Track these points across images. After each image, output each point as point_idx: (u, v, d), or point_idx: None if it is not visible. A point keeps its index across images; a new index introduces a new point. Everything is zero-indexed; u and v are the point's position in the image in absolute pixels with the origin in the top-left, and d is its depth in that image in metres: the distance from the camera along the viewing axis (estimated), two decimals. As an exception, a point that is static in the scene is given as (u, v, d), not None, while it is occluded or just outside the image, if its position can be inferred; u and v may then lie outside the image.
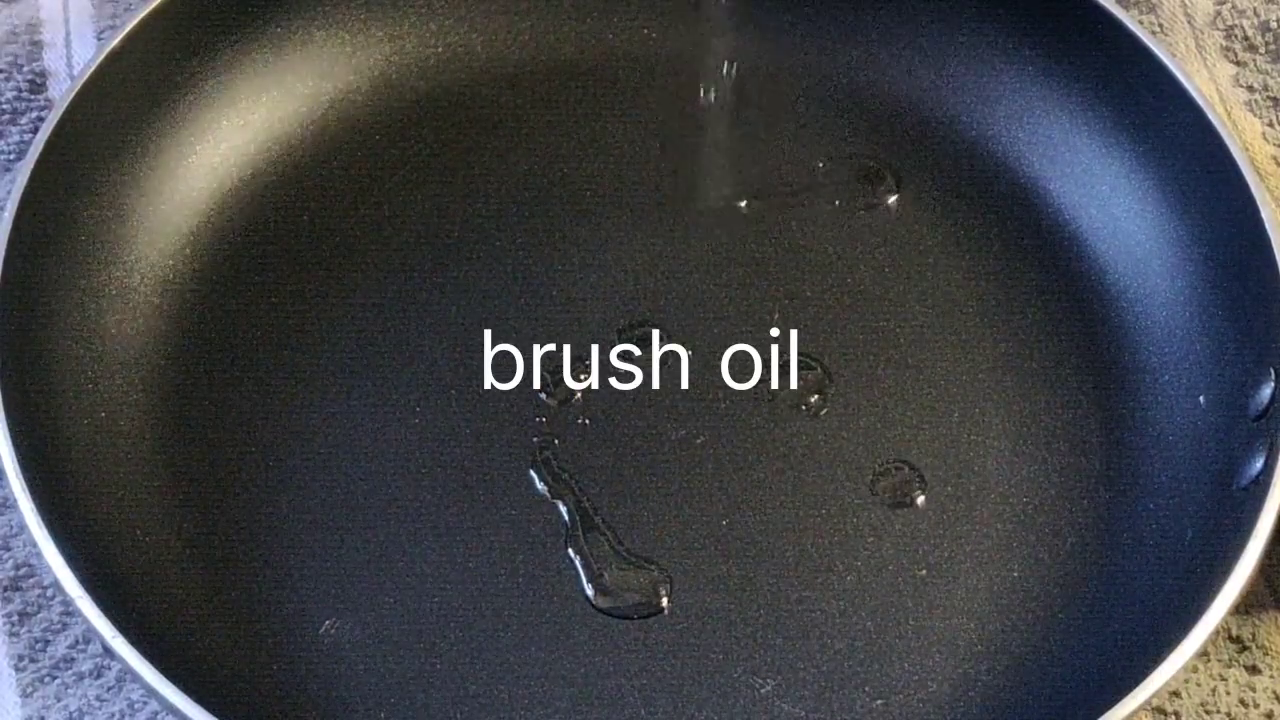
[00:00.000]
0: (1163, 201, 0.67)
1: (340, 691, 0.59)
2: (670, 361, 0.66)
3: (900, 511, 0.64)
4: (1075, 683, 0.59)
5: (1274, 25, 0.76)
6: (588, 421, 0.65)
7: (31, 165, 0.62)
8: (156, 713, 0.60)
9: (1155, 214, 0.67)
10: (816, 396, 0.66)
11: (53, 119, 0.63)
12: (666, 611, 0.61)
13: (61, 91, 0.67)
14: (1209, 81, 0.75)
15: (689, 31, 0.73)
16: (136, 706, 0.60)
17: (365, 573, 0.62)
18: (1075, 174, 0.69)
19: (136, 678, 0.54)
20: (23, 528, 0.57)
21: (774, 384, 0.66)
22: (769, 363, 0.67)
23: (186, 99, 0.68)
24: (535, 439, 0.64)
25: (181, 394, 0.64)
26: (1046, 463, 0.65)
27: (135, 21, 0.65)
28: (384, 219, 0.69)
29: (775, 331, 0.67)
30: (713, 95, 0.72)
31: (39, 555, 0.56)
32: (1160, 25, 0.76)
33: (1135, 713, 0.55)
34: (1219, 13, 0.77)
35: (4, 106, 0.71)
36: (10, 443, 0.57)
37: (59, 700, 0.60)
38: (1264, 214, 0.63)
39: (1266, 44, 0.76)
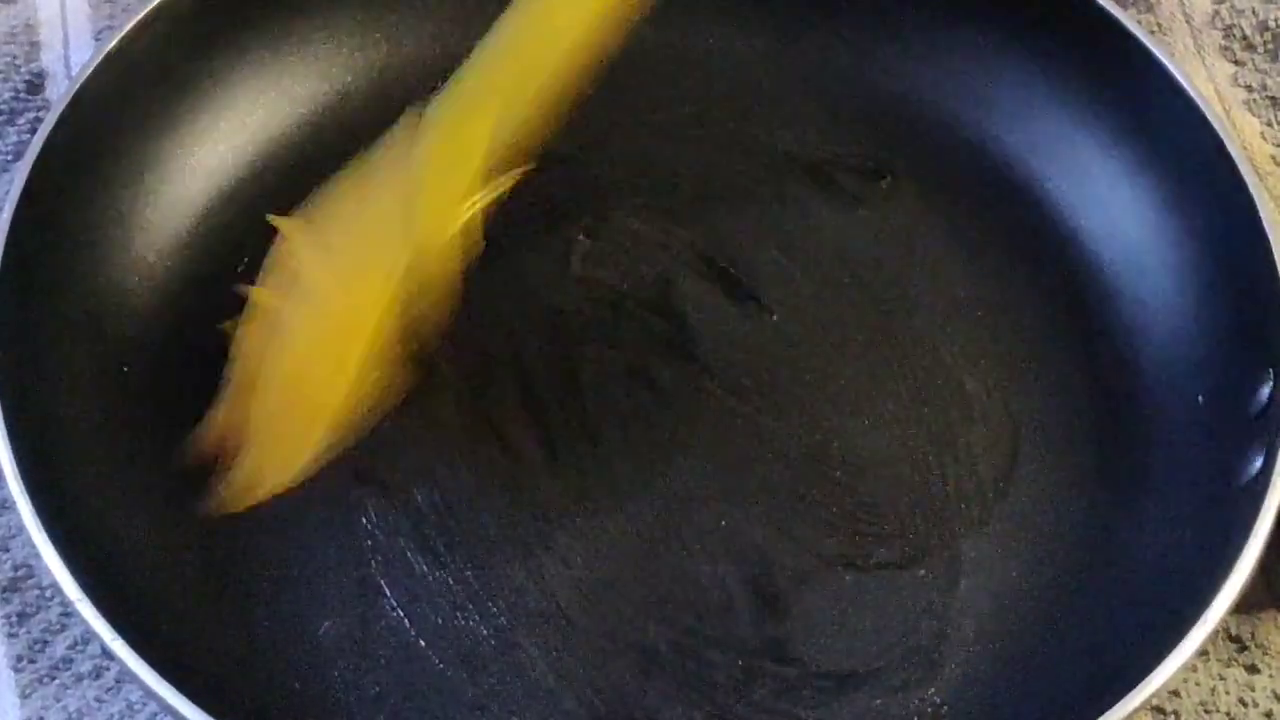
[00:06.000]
0: (1162, 201, 0.67)
1: (340, 691, 0.59)
2: (670, 360, 0.66)
3: (900, 510, 0.64)
4: (1075, 683, 0.59)
5: (1272, 25, 0.76)
6: (590, 422, 0.65)
7: (29, 166, 0.62)
8: (156, 713, 0.60)
9: (1154, 213, 0.67)
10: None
11: (50, 120, 0.63)
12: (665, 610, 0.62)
13: (59, 92, 0.67)
14: (1207, 81, 0.75)
15: (689, 31, 0.73)
16: (135, 707, 0.60)
17: (365, 572, 0.62)
18: (1075, 174, 0.69)
19: (136, 679, 0.54)
20: (21, 529, 0.57)
21: (773, 383, 0.66)
22: (768, 361, 0.67)
23: (184, 100, 0.68)
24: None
25: (181, 393, 0.64)
26: (1046, 463, 0.65)
27: (133, 23, 0.66)
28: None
29: (774, 329, 0.67)
30: (712, 95, 0.72)
31: (38, 556, 0.56)
32: (1159, 25, 0.76)
33: (1135, 712, 0.55)
34: (1217, 12, 0.77)
35: (1, 107, 0.71)
36: (9, 443, 0.57)
37: (58, 701, 0.60)
38: (1263, 213, 0.63)
39: (1265, 43, 0.76)
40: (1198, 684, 0.63)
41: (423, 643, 0.60)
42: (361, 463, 0.63)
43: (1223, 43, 0.76)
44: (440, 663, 0.60)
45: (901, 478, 0.64)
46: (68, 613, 0.62)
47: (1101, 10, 0.68)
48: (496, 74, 0.61)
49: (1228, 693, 0.63)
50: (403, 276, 0.60)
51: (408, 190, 0.60)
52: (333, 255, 0.61)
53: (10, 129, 0.71)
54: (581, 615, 0.61)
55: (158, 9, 0.66)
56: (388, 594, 0.61)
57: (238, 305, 0.66)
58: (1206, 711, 0.62)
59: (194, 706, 0.54)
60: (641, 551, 0.62)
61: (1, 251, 0.61)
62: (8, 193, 0.62)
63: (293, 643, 0.60)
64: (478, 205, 0.61)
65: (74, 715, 0.60)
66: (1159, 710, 0.62)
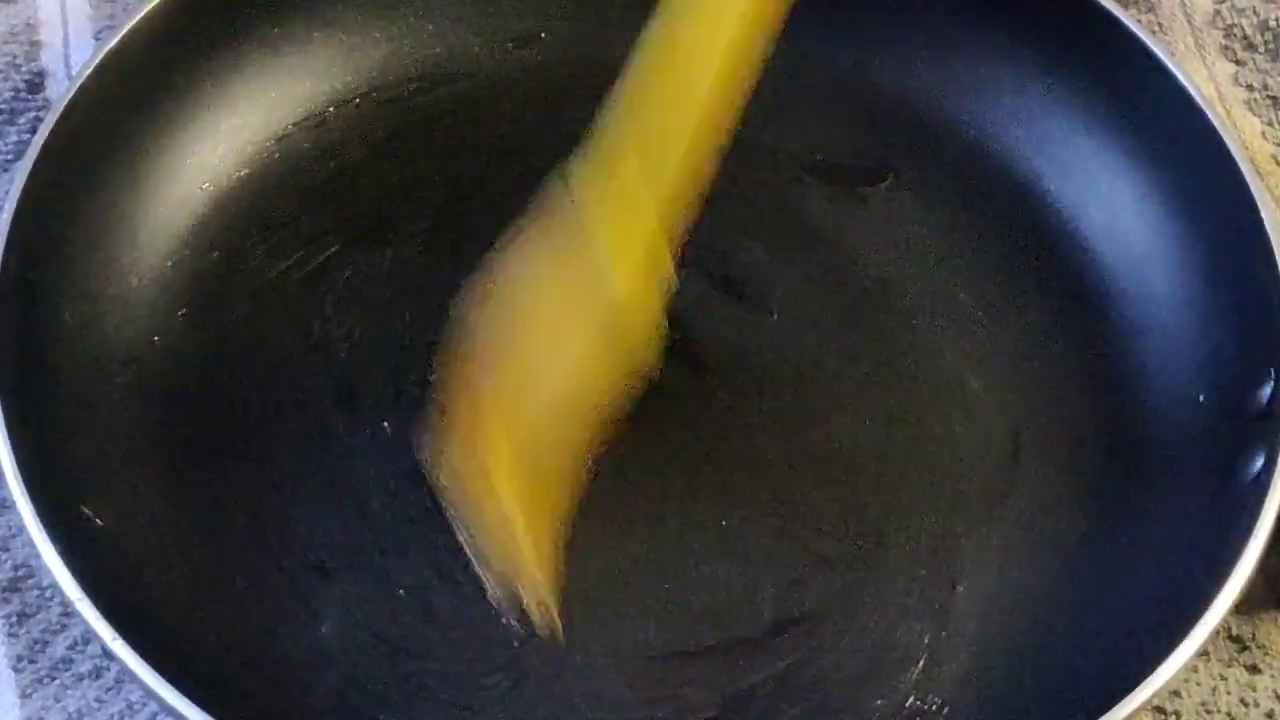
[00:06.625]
0: (1162, 201, 0.67)
1: (341, 692, 0.59)
2: (670, 360, 0.66)
3: (901, 511, 0.64)
4: (1075, 683, 0.59)
5: (1273, 24, 0.76)
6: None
7: (29, 166, 0.62)
8: (156, 713, 0.60)
9: (1155, 213, 0.67)
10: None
11: (51, 119, 0.63)
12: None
13: (59, 92, 0.67)
14: (1208, 80, 0.75)
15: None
16: (136, 708, 0.60)
17: (364, 573, 0.61)
18: (1075, 174, 0.69)
19: (136, 679, 0.54)
20: (22, 529, 0.57)
21: (774, 383, 0.66)
22: (768, 361, 0.66)
23: (184, 100, 0.68)
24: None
25: (181, 394, 0.64)
26: (1046, 463, 0.65)
27: (133, 22, 0.65)
28: (382, 219, 0.69)
29: (774, 329, 0.67)
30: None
31: (38, 556, 0.56)
32: (1159, 24, 0.76)
33: (1135, 712, 0.55)
34: (1218, 11, 0.77)
35: (2, 107, 0.71)
36: (9, 443, 0.57)
37: (58, 701, 0.60)
38: (1264, 213, 0.63)
39: (1265, 43, 0.76)
40: (1198, 684, 0.63)
41: (425, 644, 0.60)
42: (365, 465, 0.64)
43: (1224, 42, 0.76)
44: (443, 664, 0.60)
45: (902, 478, 0.64)
46: (68, 613, 0.62)
47: (1102, 10, 0.68)
48: (640, 122, 0.60)
49: (1229, 693, 0.63)
50: (604, 333, 0.60)
51: (589, 250, 0.59)
52: (522, 325, 0.60)
53: (10, 129, 0.71)
54: (583, 617, 0.61)
55: (158, 9, 0.66)
56: (390, 595, 0.61)
57: (238, 305, 0.66)
58: (1207, 711, 0.62)
59: (194, 706, 0.53)
60: (641, 552, 0.62)
61: (1, 251, 0.60)
62: (8, 193, 0.62)
63: (293, 643, 0.60)
64: (663, 242, 0.60)
65: (74, 715, 0.60)
66: (1159, 710, 0.62)
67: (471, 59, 0.72)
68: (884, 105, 0.72)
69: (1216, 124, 0.65)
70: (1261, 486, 0.59)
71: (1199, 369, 0.64)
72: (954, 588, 0.62)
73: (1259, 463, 0.60)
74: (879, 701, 0.60)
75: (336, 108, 0.71)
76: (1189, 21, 0.77)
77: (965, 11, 0.71)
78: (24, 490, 0.57)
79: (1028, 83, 0.70)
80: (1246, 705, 0.62)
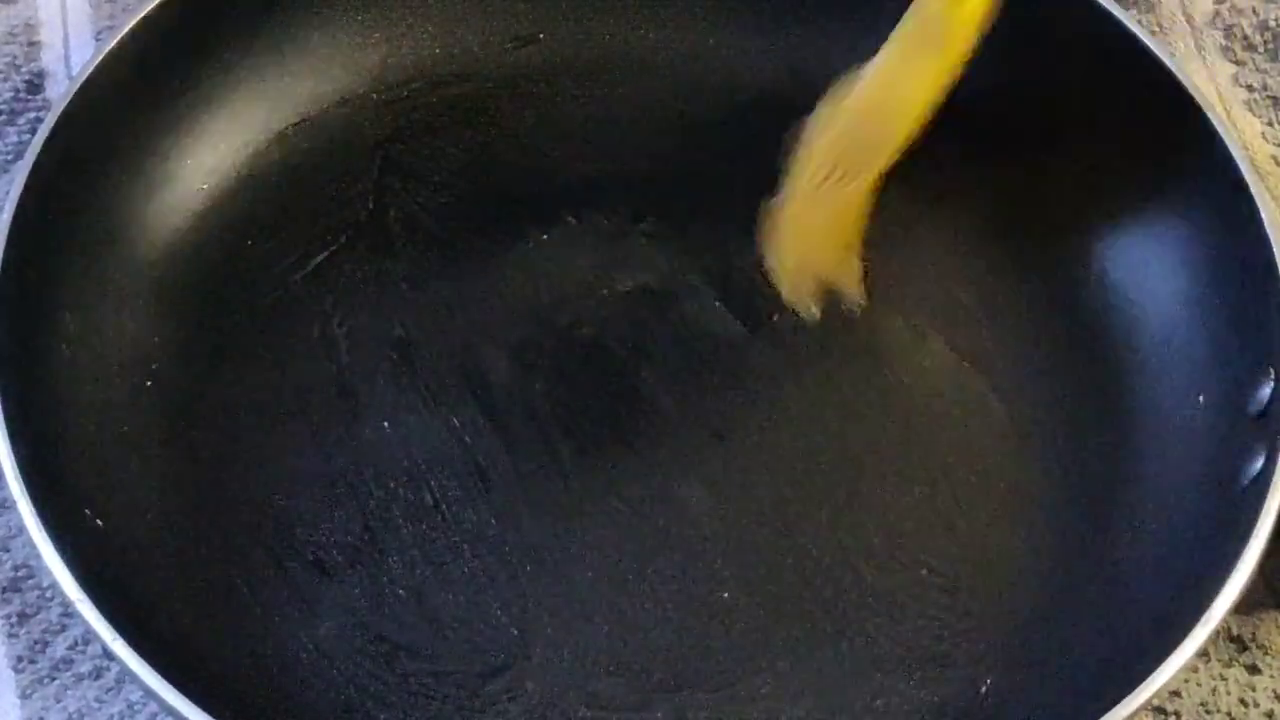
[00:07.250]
0: (1162, 201, 0.67)
1: (340, 692, 0.59)
2: (669, 362, 0.66)
3: (901, 511, 0.64)
4: (1075, 683, 0.59)
5: (1273, 24, 0.76)
6: (590, 426, 0.65)
7: (29, 166, 0.62)
8: (156, 714, 0.60)
9: (1154, 214, 0.67)
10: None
11: (50, 120, 0.63)
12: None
13: (59, 92, 0.67)
14: (1208, 81, 0.75)
15: (688, 32, 0.73)
16: (136, 708, 0.60)
17: (364, 573, 0.61)
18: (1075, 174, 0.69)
19: (136, 679, 0.54)
20: (22, 529, 0.57)
21: (772, 385, 0.66)
22: (767, 363, 0.66)
23: (184, 100, 0.68)
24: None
25: (181, 394, 0.64)
26: (1046, 463, 0.65)
27: (133, 22, 0.65)
28: (381, 219, 0.69)
29: (773, 331, 0.67)
30: (711, 95, 0.72)
31: (38, 556, 0.56)
32: (1159, 25, 0.76)
33: (1135, 713, 0.55)
34: (1218, 12, 0.77)
35: (2, 107, 0.71)
36: (9, 443, 0.57)
37: (58, 701, 0.60)
38: (1264, 214, 0.63)
39: (1265, 43, 0.76)
40: (1198, 684, 0.63)
41: (425, 644, 0.60)
42: (365, 465, 0.64)
43: (1223, 43, 0.76)
44: (443, 664, 0.60)
45: (902, 477, 0.64)
46: (68, 613, 0.62)
47: (1102, 10, 0.68)
48: None
49: (1228, 693, 0.63)
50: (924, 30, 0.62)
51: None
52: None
53: (10, 129, 0.71)
54: (583, 617, 0.61)
55: (158, 9, 0.66)
56: (390, 595, 0.61)
57: (237, 305, 0.66)
58: (1207, 712, 0.62)
59: (194, 706, 0.54)
60: (640, 551, 0.62)
61: (1, 252, 0.60)
62: (8, 193, 0.62)
63: (293, 643, 0.60)
64: None
65: (74, 715, 0.60)
66: (1159, 710, 0.62)
67: (471, 59, 0.72)
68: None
69: (1216, 124, 0.65)
70: (1261, 487, 0.59)
71: (1199, 369, 0.64)
72: (955, 588, 0.62)
73: (1259, 463, 0.60)
74: (879, 702, 0.60)
75: (336, 108, 0.71)
76: (1189, 22, 0.77)
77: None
78: (24, 490, 0.57)
79: (1027, 83, 0.70)
80: (1246, 705, 0.62)
